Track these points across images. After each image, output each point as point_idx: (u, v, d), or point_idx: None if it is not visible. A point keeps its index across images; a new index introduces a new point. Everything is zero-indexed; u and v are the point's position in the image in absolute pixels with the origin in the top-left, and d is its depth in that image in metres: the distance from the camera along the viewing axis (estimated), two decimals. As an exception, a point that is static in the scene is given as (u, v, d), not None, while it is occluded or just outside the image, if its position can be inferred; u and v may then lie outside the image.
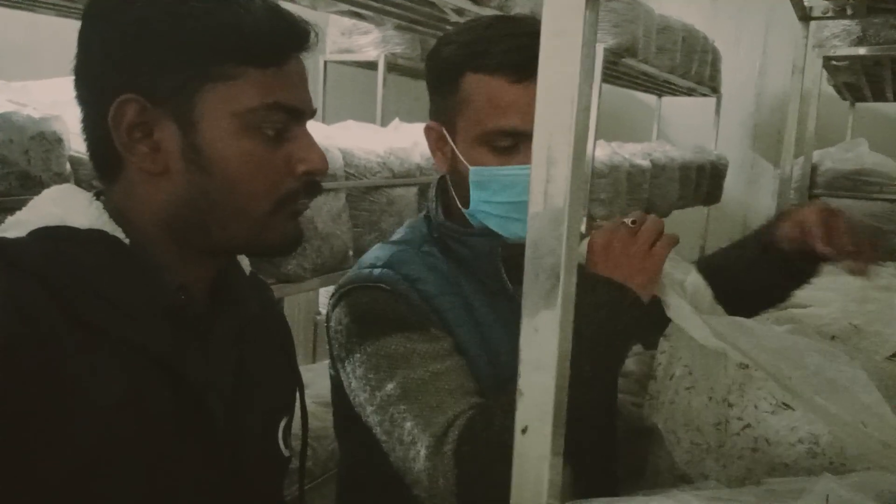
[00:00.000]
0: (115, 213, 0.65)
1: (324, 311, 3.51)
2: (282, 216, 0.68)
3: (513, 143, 0.87)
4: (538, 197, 0.47)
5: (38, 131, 1.01)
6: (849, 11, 1.76)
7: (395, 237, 1.01)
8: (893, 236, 2.34)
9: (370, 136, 1.87)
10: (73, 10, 2.07)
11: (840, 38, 2.32)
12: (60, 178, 1.05)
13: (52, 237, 0.61)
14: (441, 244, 0.96)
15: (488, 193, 0.88)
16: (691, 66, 3.76)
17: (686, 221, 4.56)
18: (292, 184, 0.68)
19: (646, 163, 3.30)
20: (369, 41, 3.31)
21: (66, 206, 0.64)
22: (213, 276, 0.73)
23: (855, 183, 2.36)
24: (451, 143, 0.91)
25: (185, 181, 0.65)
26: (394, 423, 0.82)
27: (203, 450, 0.66)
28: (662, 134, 4.67)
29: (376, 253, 0.96)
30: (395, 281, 0.89)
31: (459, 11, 1.99)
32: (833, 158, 2.44)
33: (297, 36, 0.68)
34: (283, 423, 0.80)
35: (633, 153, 3.31)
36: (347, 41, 3.35)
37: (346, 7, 2.00)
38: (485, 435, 0.75)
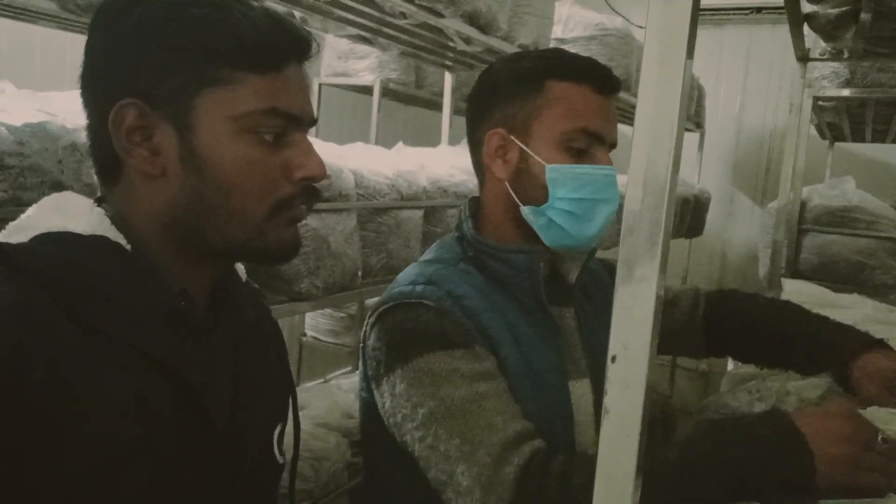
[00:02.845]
0: (117, 220, 0.66)
1: (309, 332, 3.50)
2: (278, 222, 0.69)
3: (587, 145, 0.94)
4: (633, 218, 0.49)
5: (70, 141, 1.01)
6: (846, 54, 1.83)
7: (429, 256, 1.02)
8: (878, 272, 2.41)
9: (378, 158, 1.89)
10: (64, 21, 2.06)
11: (829, 79, 2.41)
12: (89, 190, 1.04)
13: (56, 242, 0.61)
14: (477, 262, 0.98)
15: (566, 190, 0.93)
16: (678, 102, 3.85)
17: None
18: (288, 189, 0.68)
19: (635, 194, 3.36)
20: (365, 66, 3.35)
21: (68, 213, 0.64)
22: (214, 282, 0.74)
23: (842, 219, 2.43)
24: (522, 146, 0.95)
25: (181, 184, 0.65)
26: (438, 439, 0.82)
27: (204, 453, 0.67)
28: (646, 166, 4.74)
29: (414, 271, 0.97)
30: (438, 297, 0.90)
31: (467, 40, 2.03)
32: (821, 195, 2.51)
33: (297, 43, 0.69)
34: (277, 430, 0.81)
35: (620, 185, 3.36)
36: (343, 65, 3.38)
37: (354, 31, 2.03)
38: (557, 483, 0.77)
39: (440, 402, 0.83)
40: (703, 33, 5.13)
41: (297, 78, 0.69)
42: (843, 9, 1.36)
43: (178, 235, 0.68)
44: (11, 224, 0.64)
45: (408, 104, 3.82)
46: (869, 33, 1.55)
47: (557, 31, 2.89)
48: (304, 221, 1.41)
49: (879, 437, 0.73)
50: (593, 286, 1.10)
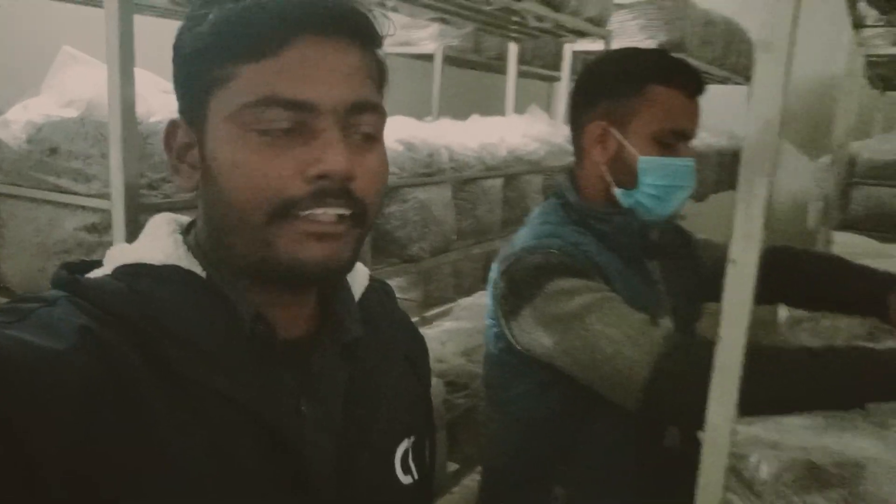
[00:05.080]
0: (194, 244, 0.65)
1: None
2: (287, 231, 0.58)
3: (675, 141, 1.16)
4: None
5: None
6: (898, 21, 1.95)
7: (538, 221, 1.23)
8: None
9: (463, 132, 2.10)
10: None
11: (882, 37, 2.52)
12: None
13: (129, 275, 0.60)
14: (582, 224, 1.20)
15: (653, 178, 1.15)
16: (728, 57, 3.93)
17: (721, 205, 4.76)
18: (298, 190, 0.57)
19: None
20: (427, 34, 3.51)
21: (143, 242, 0.64)
22: (310, 301, 0.68)
23: (894, 172, 2.56)
24: (620, 138, 1.17)
25: (202, 197, 0.63)
26: (588, 330, 1.02)
27: (299, 492, 0.61)
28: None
29: (532, 231, 1.19)
30: (561, 245, 1.12)
31: (540, 18, 2.20)
32: (871, 149, 2.64)
33: (297, 15, 0.57)
34: (402, 447, 0.73)
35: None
36: (406, 34, 3.55)
37: (435, 14, 2.22)
38: (704, 343, 0.92)
39: (579, 305, 1.03)
40: (752, -17, 5.12)
41: (308, 57, 0.57)
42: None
43: (219, 254, 0.63)
44: (111, 251, 0.64)
45: (465, 69, 3.97)
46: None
47: (616, -3, 3.02)
48: (413, 194, 1.66)
49: None
50: (669, 244, 1.32)
